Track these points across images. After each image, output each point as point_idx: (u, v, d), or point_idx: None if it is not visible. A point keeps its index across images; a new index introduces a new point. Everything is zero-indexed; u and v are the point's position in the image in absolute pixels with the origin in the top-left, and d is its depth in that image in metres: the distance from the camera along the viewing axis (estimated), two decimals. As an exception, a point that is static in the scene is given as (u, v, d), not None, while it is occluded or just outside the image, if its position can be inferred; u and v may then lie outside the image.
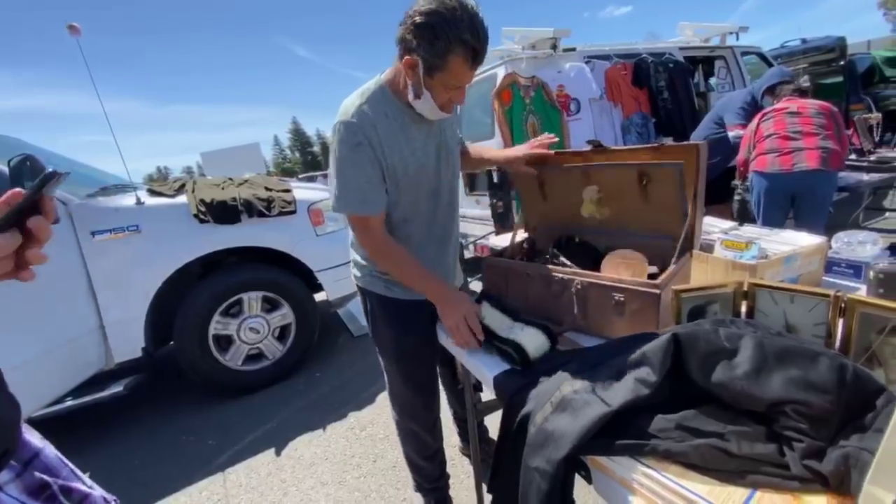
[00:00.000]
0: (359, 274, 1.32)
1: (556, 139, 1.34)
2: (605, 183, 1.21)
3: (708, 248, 1.22)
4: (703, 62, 5.04)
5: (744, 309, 0.88)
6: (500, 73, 3.54)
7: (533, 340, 1.00)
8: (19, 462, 0.61)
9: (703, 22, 4.82)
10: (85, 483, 0.70)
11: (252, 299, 2.66)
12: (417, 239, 1.25)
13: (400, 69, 1.05)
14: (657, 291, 0.92)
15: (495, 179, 3.34)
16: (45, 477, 0.63)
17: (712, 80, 5.26)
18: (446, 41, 0.94)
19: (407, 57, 1.00)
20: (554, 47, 3.74)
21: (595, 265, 1.17)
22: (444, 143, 1.24)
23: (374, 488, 1.81)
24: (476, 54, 0.99)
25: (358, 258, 1.31)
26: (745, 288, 0.87)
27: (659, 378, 0.66)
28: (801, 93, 2.69)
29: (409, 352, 1.33)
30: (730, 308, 0.88)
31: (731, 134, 3.11)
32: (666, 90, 4.01)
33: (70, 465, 0.70)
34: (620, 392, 0.67)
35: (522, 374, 0.93)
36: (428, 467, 1.50)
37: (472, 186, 4.01)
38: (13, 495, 0.57)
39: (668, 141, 3.39)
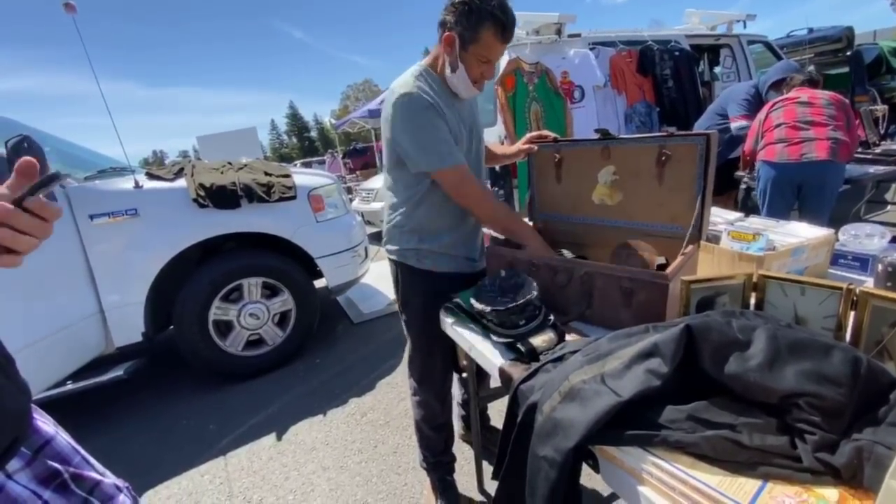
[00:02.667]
0: (392, 247, 1.39)
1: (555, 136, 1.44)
2: (622, 162, 1.23)
3: (714, 239, 1.21)
4: (709, 51, 4.97)
5: (753, 300, 0.87)
6: (504, 58, 3.49)
7: (539, 332, 1.00)
8: (30, 449, 0.60)
9: (706, 9, 4.73)
10: (97, 470, 0.69)
11: (252, 285, 2.65)
12: (452, 205, 1.28)
13: (439, 51, 1.21)
14: (666, 282, 0.91)
15: (497, 168, 3.32)
16: (56, 465, 0.61)
17: (717, 70, 5.18)
18: (479, 14, 1.11)
19: (446, 34, 1.16)
20: (559, 33, 3.68)
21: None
22: (475, 126, 1.37)
23: (375, 473, 1.83)
24: (505, 28, 1.14)
25: (395, 230, 1.36)
26: (755, 279, 0.86)
27: (671, 369, 0.65)
28: (812, 83, 2.65)
29: (435, 320, 1.34)
30: (739, 299, 0.87)
31: (734, 125, 3.06)
32: (671, 79, 3.95)
33: (82, 451, 0.68)
34: (631, 382, 0.66)
35: (528, 363, 0.93)
36: (434, 438, 1.56)
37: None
38: (23, 483, 0.56)
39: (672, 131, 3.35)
